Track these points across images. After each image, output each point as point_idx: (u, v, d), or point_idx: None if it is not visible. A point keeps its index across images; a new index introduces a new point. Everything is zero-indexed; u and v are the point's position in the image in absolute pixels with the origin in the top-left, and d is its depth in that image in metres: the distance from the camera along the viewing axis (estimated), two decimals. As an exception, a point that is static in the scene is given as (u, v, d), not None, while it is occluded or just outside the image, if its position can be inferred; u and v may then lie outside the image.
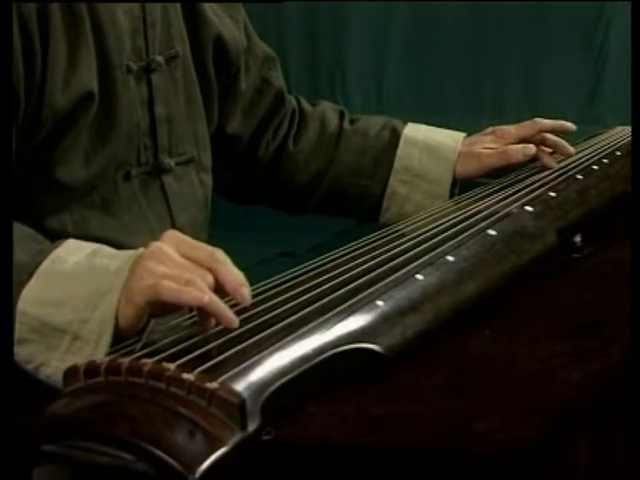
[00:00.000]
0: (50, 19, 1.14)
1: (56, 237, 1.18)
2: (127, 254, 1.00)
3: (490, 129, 1.49)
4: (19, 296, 0.99)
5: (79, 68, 1.16)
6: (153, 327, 0.98)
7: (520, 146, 1.44)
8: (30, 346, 0.99)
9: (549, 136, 1.46)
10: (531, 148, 1.43)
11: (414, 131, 1.51)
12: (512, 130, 1.46)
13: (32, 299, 0.99)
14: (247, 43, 1.43)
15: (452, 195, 1.48)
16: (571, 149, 1.46)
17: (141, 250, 0.99)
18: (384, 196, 1.50)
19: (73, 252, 1.03)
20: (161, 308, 0.96)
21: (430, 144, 1.48)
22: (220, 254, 0.98)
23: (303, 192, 1.53)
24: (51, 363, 0.99)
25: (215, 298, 0.94)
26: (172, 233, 1.01)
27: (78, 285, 0.99)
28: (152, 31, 1.26)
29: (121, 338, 0.98)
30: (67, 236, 1.16)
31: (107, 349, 0.97)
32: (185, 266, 0.97)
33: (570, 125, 1.48)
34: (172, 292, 0.94)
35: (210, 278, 0.96)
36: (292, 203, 1.57)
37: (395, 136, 1.50)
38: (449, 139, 1.49)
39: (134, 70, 1.23)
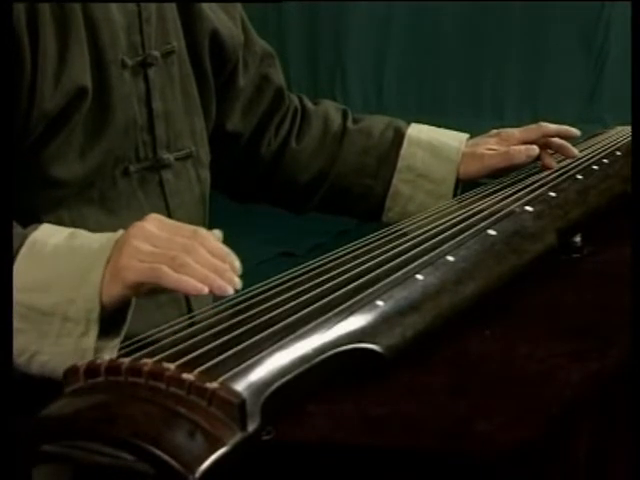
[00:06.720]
0: (39, 18, 1.14)
1: None
2: (107, 234, 1.02)
3: (494, 131, 1.49)
4: None
5: (70, 64, 1.16)
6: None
7: (523, 147, 1.43)
8: (23, 336, 0.99)
9: (554, 140, 1.45)
10: (534, 149, 1.43)
11: (417, 131, 1.51)
12: (516, 133, 1.46)
13: (16, 286, 0.99)
14: (244, 39, 1.43)
15: (455, 196, 1.48)
16: (575, 151, 1.45)
17: (121, 231, 1.01)
18: (387, 196, 1.49)
19: (52, 234, 1.03)
20: (150, 290, 0.98)
21: (434, 144, 1.48)
22: (202, 231, 1.00)
23: (305, 191, 1.53)
24: (45, 349, 0.99)
25: (212, 278, 0.96)
26: (154, 215, 1.03)
27: (60, 266, 0.99)
28: (147, 26, 1.26)
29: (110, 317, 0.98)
30: None
31: (98, 327, 0.98)
32: (172, 243, 0.98)
33: (575, 131, 1.47)
34: (172, 279, 0.96)
35: (202, 251, 0.98)
36: (294, 202, 1.56)
37: (399, 136, 1.50)
38: (452, 140, 1.49)
39: (129, 65, 1.23)
